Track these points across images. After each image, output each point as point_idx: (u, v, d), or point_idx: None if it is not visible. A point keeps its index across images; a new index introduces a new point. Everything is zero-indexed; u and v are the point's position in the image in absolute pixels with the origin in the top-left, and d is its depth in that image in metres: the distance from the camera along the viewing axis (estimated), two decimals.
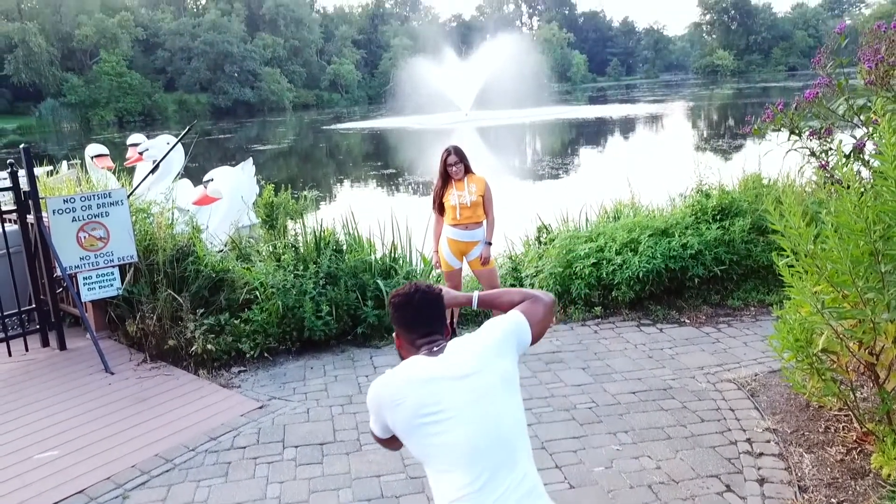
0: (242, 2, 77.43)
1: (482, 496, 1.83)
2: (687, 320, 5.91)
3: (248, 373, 5.20)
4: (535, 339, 2.14)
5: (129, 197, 5.86)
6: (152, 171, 7.47)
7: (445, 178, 5.37)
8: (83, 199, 5.51)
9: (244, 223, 9.61)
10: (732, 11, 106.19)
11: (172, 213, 6.50)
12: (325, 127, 47.76)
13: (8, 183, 5.51)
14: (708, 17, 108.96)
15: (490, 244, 5.45)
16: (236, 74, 71.57)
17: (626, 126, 36.35)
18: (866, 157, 3.62)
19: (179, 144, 13.98)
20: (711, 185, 6.92)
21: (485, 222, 5.43)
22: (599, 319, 6.02)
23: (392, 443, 2.09)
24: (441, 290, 2.17)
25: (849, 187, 2.89)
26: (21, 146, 5.36)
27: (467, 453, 1.86)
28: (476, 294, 2.34)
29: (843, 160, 3.22)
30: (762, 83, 74.63)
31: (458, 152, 5.30)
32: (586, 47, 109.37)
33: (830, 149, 3.99)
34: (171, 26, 71.30)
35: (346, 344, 5.64)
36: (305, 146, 37.33)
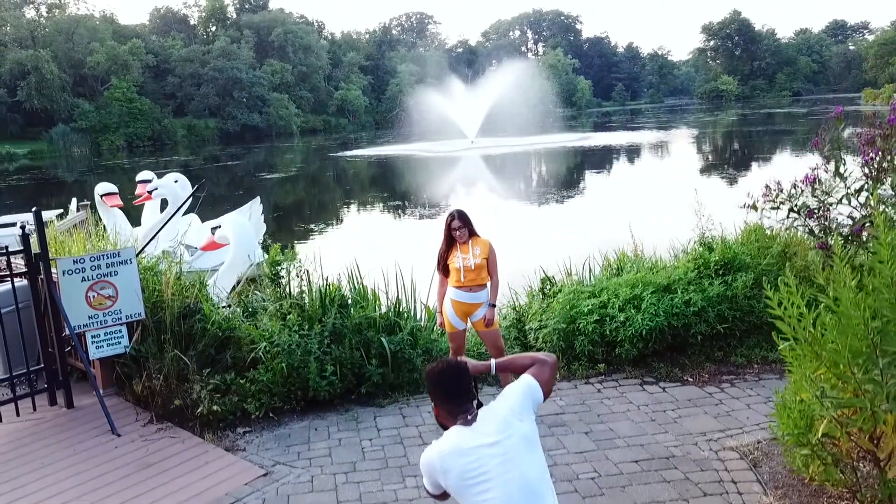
0: (252, 29, 78.54)
1: None
2: (690, 378, 5.92)
3: (253, 433, 5.23)
4: (546, 396, 2.65)
5: (138, 255, 5.95)
6: (160, 229, 7.50)
7: (450, 241, 5.43)
8: (92, 259, 5.60)
9: (253, 261, 9.78)
10: (736, 37, 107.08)
11: (180, 266, 6.58)
12: (332, 154, 48.13)
13: (17, 233, 5.61)
14: (712, 42, 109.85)
15: (494, 306, 5.49)
16: (245, 100, 72.38)
17: (631, 156, 36.53)
18: (864, 239, 3.67)
19: (186, 179, 14.17)
20: (714, 237, 6.95)
21: (489, 284, 5.48)
22: (603, 376, 6.04)
23: (444, 497, 2.59)
24: (466, 363, 2.69)
25: (844, 285, 2.94)
26: (32, 210, 5.46)
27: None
28: (493, 362, 2.86)
29: (841, 243, 3.27)
30: (767, 109, 74.91)
31: (463, 217, 5.37)
32: (591, 73, 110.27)
33: (829, 228, 4.04)
34: (181, 53, 72.32)
35: (350, 403, 5.67)
36: (312, 174, 37.61)
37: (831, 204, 4.04)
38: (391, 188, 29.46)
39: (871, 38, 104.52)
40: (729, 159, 33.90)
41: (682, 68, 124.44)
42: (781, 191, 4.23)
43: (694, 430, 5.01)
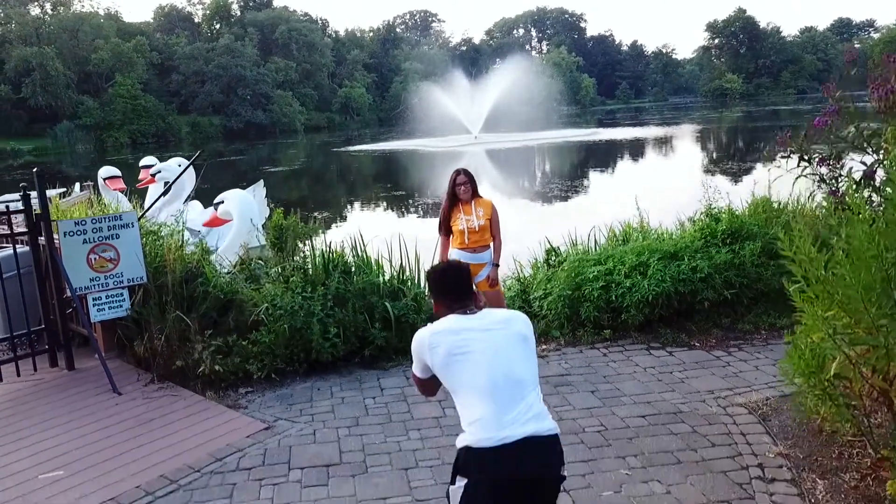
0: (256, 26, 78.55)
1: (497, 418, 2.36)
2: (697, 344, 5.86)
3: (255, 394, 5.18)
4: None
5: (139, 219, 5.90)
6: (164, 194, 7.50)
7: (453, 200, 5.39)
8: (94, 221, 5.55)
9: (253, 244, 9.67)
10: (741, 35, 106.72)
11: (182, 235, 6.54)
12: (335, 149, 48.13)
13: (20, 206, 5.57)
14: (717, 40, 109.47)
15: (497, 266, 5.45)
16: (249, 97, 72.36)
17: (636, 149, 36.42)
18: (877, 184, 3.59)
19: (191, 167, 14.14)
20: (721, 209, 6.88)
21: (492, 245, 5.45)
22: (608, 342, 5.97)
23: (429, 386, 2.66)
24: (468, 265, 2.83)
25: (859, 214, 2.87)
26: (34, 170, 5.42)
27: (487, 386, 2.40)
28: None
29: (854, 187, 3.20)
30: (771, 106, 74.64)
31: (468, 174, 5.35)
32: (595, 71, 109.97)
33: (840, 175, 3.97)
34: (185, 50, 72.35)
35: (354, 366, 5.62)
36: (316, 168, 37.61)
37: (843, 150, 3.96)
38: (395, 178, 29.43)
39: (876, 36, 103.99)
40: (733, 149, 33.79)
41: (687, 66, 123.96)
42: (792, 138, 4.16)
43: (701, 388, 4.95)
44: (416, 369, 2.64)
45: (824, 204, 4.32)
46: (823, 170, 4.06)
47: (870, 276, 3.07)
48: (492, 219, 5.40)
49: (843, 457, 3.85)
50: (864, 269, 3.08)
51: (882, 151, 3.65)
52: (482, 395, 2.40)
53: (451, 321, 2.55)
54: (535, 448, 2.36)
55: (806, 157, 4.10)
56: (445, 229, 5.48)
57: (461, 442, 2.45)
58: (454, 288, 2.63)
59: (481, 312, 2.60)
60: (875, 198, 3.63)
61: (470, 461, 2.38)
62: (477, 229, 5.33)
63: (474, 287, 2.75)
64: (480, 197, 5.47)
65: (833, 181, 4.03)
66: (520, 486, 2.37)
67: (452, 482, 2.46)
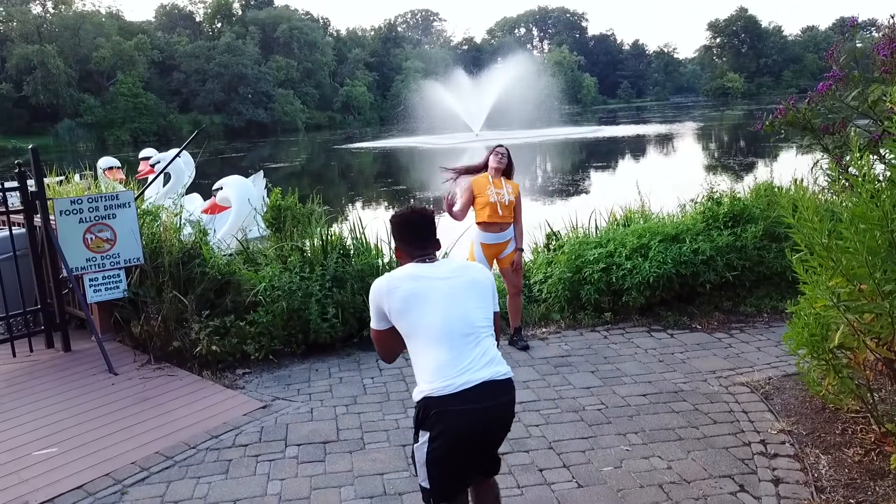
0: (257, 25, 78.51)
1: (454, 364, 2.36)
2: (699, 326, 5.81)
3: (253, 374, 5.13)
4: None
5: (136, 200, 5.86)
6: (159, 175, 7.43)
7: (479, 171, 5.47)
8: (90, 200, 5.51)
9: (254, 234, 9.60)
10: (742, 34, 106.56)
11: (180, 218, 6.49)
12: (336, 146, 48.12)
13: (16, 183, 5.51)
14: (718, 40, 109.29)
15: (522, 251, 5.53)
16: (250, 96, 72.29)
17: (638, 144, 36.33)
18: (882, 152, 3.54)
19: (189, 156, 14.08)
20: (723, 192, 6.84)
21: (514, 226, 5.50)
22: (609, 325, 5.92)
23: (388, 341, 2.57)
24: (433, 211, 2.71)
25: (865, 177, 2.82)
26: (30, 146, 5.37)
27: (442, 331, 2.40)
28: None
29: (858, 153, 3.14)
30: (773, 105, 74.52)
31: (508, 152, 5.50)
32: (597, 70, 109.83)
33: (845, 143, 3.91)
34: (186, 49, 72.32)
35: (352, 347, 5.57)
36: (317, 165, 37.60)
37: (847, 116, 3.90)
38: (396, 174, 29.38)
39: (878, 35, 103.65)
40: (735, 147, 33.71)
41: (688, 66, 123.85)
42: (795, 108, 4.10)
43: (703, 369, 4.90)
44: (374, 321, 2.56)
45: (829, 175, 4.25)
46: (827, 140, 4.00)
47: (874, 241, 3.02)
48: (518, 198, 5.47)
49: (847, 433, 3.80)
50: (868, 234, 3.03)
51: (887, 117, 3.59)
52: (438, 341, 2.39)
53: (410, 268, 2.53)
54: (494, 392, 2.38)
55: (809, 126, 4.04)
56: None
57: (419, 394, 2.41)
58: (417, 235, 2.59)
59: (440, 261, 2.60)
60: (880, 166, 3.58)
61: (431, 411, 2.35)
62: (507, 203, 5.36)
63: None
64: (508, 178, 5.55)
65: (837, 150, 3.97)
66: (484, 431, 2.40)
67: (416, 440, 2.42)
